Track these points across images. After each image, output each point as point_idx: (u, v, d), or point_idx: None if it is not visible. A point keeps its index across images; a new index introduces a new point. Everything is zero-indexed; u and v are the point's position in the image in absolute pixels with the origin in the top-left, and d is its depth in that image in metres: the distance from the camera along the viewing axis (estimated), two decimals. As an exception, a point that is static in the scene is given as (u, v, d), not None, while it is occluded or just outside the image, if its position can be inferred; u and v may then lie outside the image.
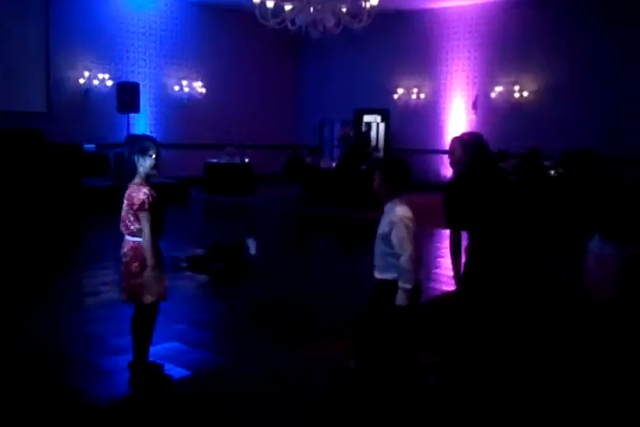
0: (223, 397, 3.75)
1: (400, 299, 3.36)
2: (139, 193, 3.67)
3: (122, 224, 3.77)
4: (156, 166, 3.76)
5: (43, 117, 12.38)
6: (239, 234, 7.63)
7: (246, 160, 14.60)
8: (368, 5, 9.95)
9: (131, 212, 3.70)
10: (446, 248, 8.73)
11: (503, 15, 14.86)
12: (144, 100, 14.28)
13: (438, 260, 7.94)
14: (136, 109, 13.45)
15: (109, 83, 14.22)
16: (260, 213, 12.72)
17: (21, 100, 12.12)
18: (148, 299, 3.78)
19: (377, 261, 3.48)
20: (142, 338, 3.90)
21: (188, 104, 16.10)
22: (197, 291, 6.37)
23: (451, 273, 6.98)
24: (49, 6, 12.64)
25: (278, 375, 4.05)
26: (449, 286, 6.49)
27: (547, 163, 12.42)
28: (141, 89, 13.71)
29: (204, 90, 16.36)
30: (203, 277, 6.79)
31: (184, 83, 16.00)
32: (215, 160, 14.40)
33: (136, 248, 3.72)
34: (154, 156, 3.73)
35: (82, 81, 13.93)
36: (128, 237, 3.76)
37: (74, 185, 10.22)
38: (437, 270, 7.27)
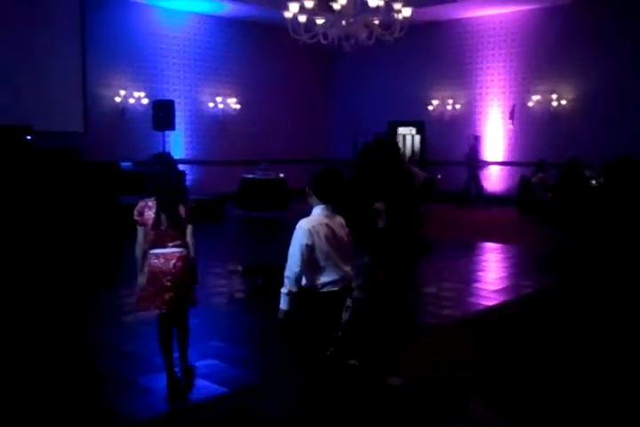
0: (259, 415, 3.68)
1: (280, 303, 3.39)
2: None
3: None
4: None
5: (80, 137, 12.58)
6: (275, 251, 7.56)
7: (281, 175, 14.60)
8: (400, 17, 9.90)
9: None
10: (486, 261, 8.61)
11: (539, 23, 14.67)
12: (179, 118, 14.44)
13: (478, 274, 7.76)
14: (171, 127, 13.58)
15: (145, 101, 14.41)
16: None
17: (59, 121, 12.33)
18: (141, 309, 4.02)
19: None
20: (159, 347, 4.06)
21: (222, 120, 16.22)
22: (234, 308, 6.32)
23: (491, 287, 6.87)
24: (85, 26, 12.89)
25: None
26: (489, 300, 6.33)
27: (587, 173, 12.16)
28: (176, 106, 13.85)
29: (238, 106, 16.46)
30: (240, 294, 6.75)
31: (218, 99, 16.13)
32: (250, 176, 14.44)
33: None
34: None
35: (118, 100, 14.15)
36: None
37: (111, 203, 10.31)
38: (477, 284, 7.09)
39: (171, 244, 3.99)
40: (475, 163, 15.53)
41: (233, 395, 3.99)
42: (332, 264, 3.39)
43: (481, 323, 5.60)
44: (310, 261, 3.34)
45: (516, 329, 5.40)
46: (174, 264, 3.97)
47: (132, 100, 14.31)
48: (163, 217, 3.94)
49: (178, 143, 15.35)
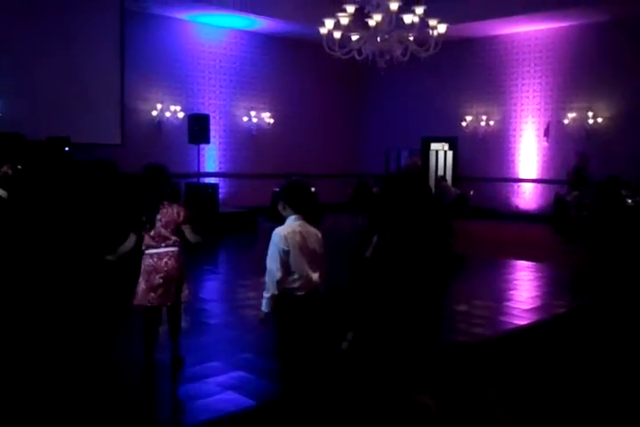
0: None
1: (262, 306, 3.65)
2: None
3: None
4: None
5: (117, 149, 12.80)
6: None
7: (312, 189, 14.63)
8: (435, 33, 9.92)
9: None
10: (519, 280, 8.50)
11: (575, 40, 14.56)
12: (214, 131, 14.62)
13: (510, 292, 7.67)
14: (206, 140, 13.76)
15: (181, 115, 14.63)
16: (326, 243, 12.66)
17: (97, 133, 12.57)
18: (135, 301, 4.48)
19: None
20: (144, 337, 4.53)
21: (256, 134, 16.37)
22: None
23: (523, 306, 6.77)
24: (124, 42, 13.17)
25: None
26: (521, 319, 6.25)
27: (623, 192, 11.95)
28: (211, 120, 14.04)
29: (271, 120, 16.61)
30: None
31: (252, 113, 16.30)
32: (282, 189, 14.51)
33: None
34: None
35: (154, 113, 14.40)
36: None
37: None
38: (509, 303, 7.00)
39: (163, 244, 4.46)
40: (582, 182, 13.40)
41: (260, 408, 4.00)
42: (300, 270, 3.61)
43: (512, 342, 5.53)
44: (286, 266, 3.57)
45: (547, 349, 5.32)
46: (166, 262, 4.44)
47: (168, 114, 14.55)
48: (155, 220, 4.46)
49: (212, 156, 15.53)
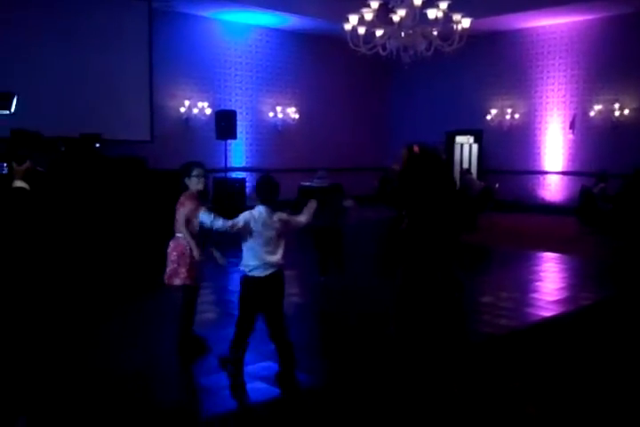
0: (314, 418, 3.81)
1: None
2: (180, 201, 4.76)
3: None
4: (199, 183, 4.74)
5: (146, 145, 13.05)
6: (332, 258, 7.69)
7: (337, 183, 14.74)
8: (460, 28, 9.93)
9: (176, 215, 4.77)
10: (545, 272, 8.54)
11: (600, 32, 14.44)
12: (240, 127, 14.80)
13: (536, 284, 7.72)
14: (233, 136, 13.94)
15: (208, 111, 14.83)
16: (351, 235, 12.78)
17: (127, 130, 12.83)
18: (177, 281, 4.70)
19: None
20: (183, 317, 4.80)
21: (281, 129, 16.52)
22: (293, 311, 6.45)
23: (549, 298, 6.83)
24: (152, 40, 13.40)
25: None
26: (546, 311, 6.31)
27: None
28: (238, 116, 14.22)
29: (297, 115, 16.75)
30: (297, 299, 6.91)
31: (278, 109, 16.45)
32: (307, 183, 14.64)
33: (176, 241, 4.76)
34: (197, 176, 4.72)
35: (182, 110, 14.62)
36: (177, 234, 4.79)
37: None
38: (535, 295, 7.06)
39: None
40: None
41: (289, 398, 4.12)
42: (258, 251, 4.20)
43: (537, 333, 5.60)
44: (246, 243, 4.23)
45: (573, 341, 5.38)
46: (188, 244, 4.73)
47: (195, 110, 14.76)
48: None
49: (239, 152, 15.72)
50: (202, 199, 4.80)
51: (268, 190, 4.35)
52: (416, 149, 6.06)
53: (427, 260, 4.53)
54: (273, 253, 4.25)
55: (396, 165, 6.85)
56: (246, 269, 4.26)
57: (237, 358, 4.37)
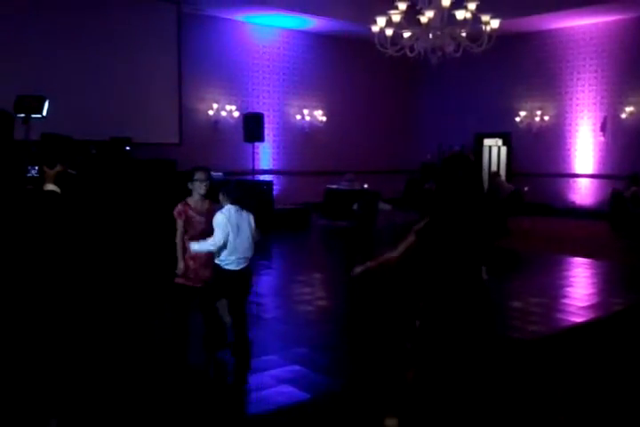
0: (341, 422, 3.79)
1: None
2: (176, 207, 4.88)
3: None
4: (202, 187, 4.87)
5: (175, 148, 13.17)
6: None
7: (365, 186, 14.73)
8: (488, 28, 9.86)
9: None
10: (575, 277, 8.41)
11: (631, 32, 14.20)
12: (268, 130, 14.84)
13: (566, 289, 7.61)
14: (261, 139, 13.99)
15: (236, 114, 14.91)
16: (378, 238, 12.74)
17: (156, 133, 12.97)
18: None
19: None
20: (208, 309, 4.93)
21: (308, 132, 16.55)
22: (319, 316, 6.47)
23: (579, 304, 6.72)
24: (181, 43, 13.54)
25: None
26: (577, 317, 6.21)
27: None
28: (265, 119, 14.27)
29: (324, 118, 16.75)
30: (325, 302, 6.91)
31: (305, 112, 16.47)
32: (335, 186, 14.66)
33: None
34: (200, 180, 4.87)
35: (211, 113, 14.72)
36: None
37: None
38: (565, 300, 6.95)
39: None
40: None
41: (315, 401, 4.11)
42: (233, 246, 4.54)
43: (568, 340, 5.52)
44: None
45: (604, 347, 5.29)
46: None
47: (223, 113, 14.85)
48: None
49: (266, 154, 15.78)
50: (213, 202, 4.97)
51: (238, 192, 4.73)
52: (471, 158, 6.03)
53: (456, 267, 4.47)
54: (247, 248, 4.64)
55: (469, 154, 6.86)
56: (222, 264, 4.61)
57: (213, 354, 4.84)
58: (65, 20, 11.78)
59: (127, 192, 9.88)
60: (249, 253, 4.68)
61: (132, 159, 11.06)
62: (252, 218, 4.71)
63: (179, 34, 13.48)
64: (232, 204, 4.65)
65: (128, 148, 11.20)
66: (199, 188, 4.86)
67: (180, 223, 4.81)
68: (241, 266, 4.63)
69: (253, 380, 4.41)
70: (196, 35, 14.11)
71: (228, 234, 4.49)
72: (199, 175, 4.87)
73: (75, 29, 11.94)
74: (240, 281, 4.67)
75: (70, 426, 3.61)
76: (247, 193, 4.87)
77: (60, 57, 11.70)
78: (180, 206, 4.85)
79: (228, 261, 4.60)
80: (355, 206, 7.89)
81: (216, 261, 4.64)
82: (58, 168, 3.80)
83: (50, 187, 3.58)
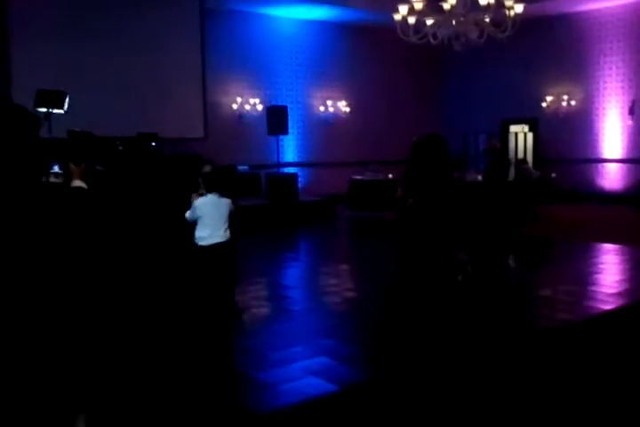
0: (368, 413, 3.81)
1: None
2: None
3: None
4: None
5: (200, 142, 13.27)
6: (384, 250, 7.68)
7: (390, 176, 14.67)
8: (512, 13, 9.72)
9: None
10: (604, 263, 8.31)
11: (662, 13, 13.89)
12: (291, 122, 14.82)
13: (595, 276, 7.52)
14: (285, 131, 14.00)
15: (260, 107, 14.94)
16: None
17: (182, 127, 13.08)
18: None
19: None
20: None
21: (332, 123, 16.52)
22: (345, 306, 6.48)
23: (609, 291, 6.64)
24: (204, 37, 13.61)
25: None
26: (607, 304, 6.14)
27: None
28: (289, 111, 14.27)
29: (347, 109, 16.70)
30: (351, 293, 6.91)
31: (329, 103, 16.44)
32: (359, 177, 14.63)
33: None
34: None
35: (235, 106, 14.77)
36: None
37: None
38: (594, 288, 6.88)
39: None
40: None
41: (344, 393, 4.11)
42: (206, 226, 5.33)
43: (597, 327, 5.47)
44: (199, 220, 5.38)
45: (634, 335, 5.24)
46: None
47: (247, 107, 14.89)
48: None
49: (290, 147, 15.80)
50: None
51: (216, 181, 5.38)
52: (497, 145, 6.31)
53: (428, 240, 4.74)
54: (218, 227, 5.35)
55: (495, 142, 7.11)
56: (197, 242, 5.35)
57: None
58: (87, 17, 11.89)
59: (155, 187, 9.98)
60: (220, 232, 5.36)
61: (159, 154, 11.16)
62: (230, 203, 5.43)
63: (202, 29, 13.55)
64: (210, 193, 5.35)
65: (154, 143, 11.30)
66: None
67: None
68: (213, 241, 5.32)
69: (281, 371, 4.42)
70: (219, 29, 14.15)
71: (196, 217, 5.33)
72: (207, 169, 5.40)
73: (98, 26, 12.04)
74: (214, 255, 5.34)
75: (99, 420, 3.68)
76: (224, 181, 5.53)
77: (85, 54, 11.83)
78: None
79: (200, 238, 5.37)
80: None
81: (194, 241, 5.38)
82: (83, 165, 3.86)
83: (77, 183, 3.63)
